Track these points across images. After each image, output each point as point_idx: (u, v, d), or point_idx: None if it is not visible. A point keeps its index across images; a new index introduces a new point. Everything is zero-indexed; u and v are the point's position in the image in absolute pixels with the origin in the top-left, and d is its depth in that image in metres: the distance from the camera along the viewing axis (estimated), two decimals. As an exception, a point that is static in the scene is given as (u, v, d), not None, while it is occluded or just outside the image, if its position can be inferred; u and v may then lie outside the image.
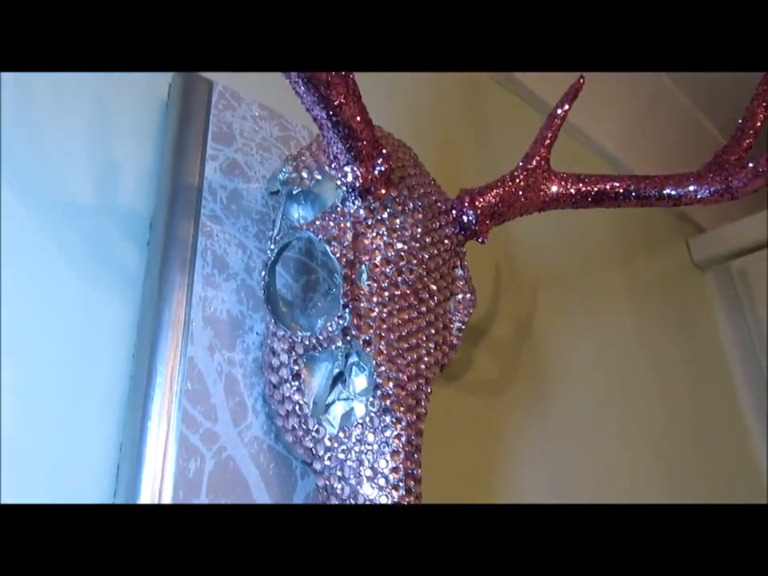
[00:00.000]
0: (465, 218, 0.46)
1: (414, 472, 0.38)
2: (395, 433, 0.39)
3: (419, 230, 0.43)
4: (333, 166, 0.40)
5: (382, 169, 0.40)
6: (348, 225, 0.40)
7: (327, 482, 0.39)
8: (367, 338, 0.39)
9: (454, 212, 0.46)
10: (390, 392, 0.39)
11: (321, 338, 0.40)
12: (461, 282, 0.46)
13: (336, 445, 0.40)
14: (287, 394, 0.41)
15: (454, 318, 0.45)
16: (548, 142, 0.50)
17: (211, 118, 0.50)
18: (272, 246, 0.41)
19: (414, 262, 0.42)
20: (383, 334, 0.40)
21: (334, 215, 0.40)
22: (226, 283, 0.46)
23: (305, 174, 0.45)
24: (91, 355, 0.43)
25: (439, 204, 0.46)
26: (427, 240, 0.43)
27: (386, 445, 0.38)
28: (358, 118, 0.38)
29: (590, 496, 0.77)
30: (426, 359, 0.42)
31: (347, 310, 0.39)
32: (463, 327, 0.46)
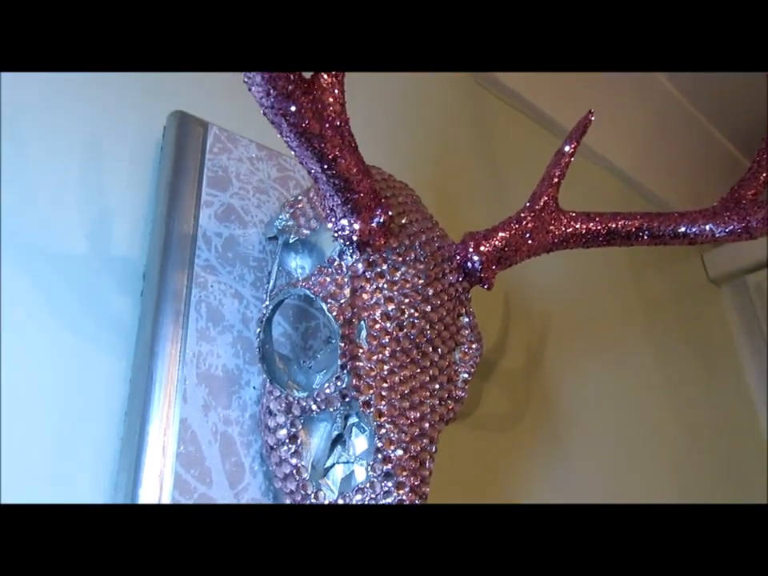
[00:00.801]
0: (469, 265, 0.44)
1: (419, 542, 0.36)
2: (398, 498, 0.37)
3: (421, 280, 0.41)
4: (330, 218, 0.38)
5: (381, 220, 0.38)
6: (346, 280, 0.38)
7: (327, 552, 0.37)
8: (367, 398, 0.37)
9: (458, 258, 0.44)
10: (392, 455, 0.37)
11: (318, 399, 0.38)
12: (466, 331, 0.44)
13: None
14: (284, 457, 0.39)
15: (459, 370, 0.43)
16: (556, 180, 0.48)
17: (206, 162, 0.48)
18: (266, 303, 0.39)
19: (416, 314, 0.40)
20: (384, 394, 0.38)
21: (330, 270, 0.39)
22: (221, 336, 0.44)
23: (302, 222, 0.44)
24: (81, 414, 0.41)
25: (442, 251, 0.44)
26: (430, 291, 0.41)
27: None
28: (354, 170, 0.36)
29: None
30: (430, 417, 0.40)
31: (345, 370, 0.37)
32: (469, 378, 0.44)
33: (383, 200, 0.39)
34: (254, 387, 0.44)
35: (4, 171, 0.44)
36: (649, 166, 1.15)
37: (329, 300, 0.37)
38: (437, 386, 0.41)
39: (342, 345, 0.37)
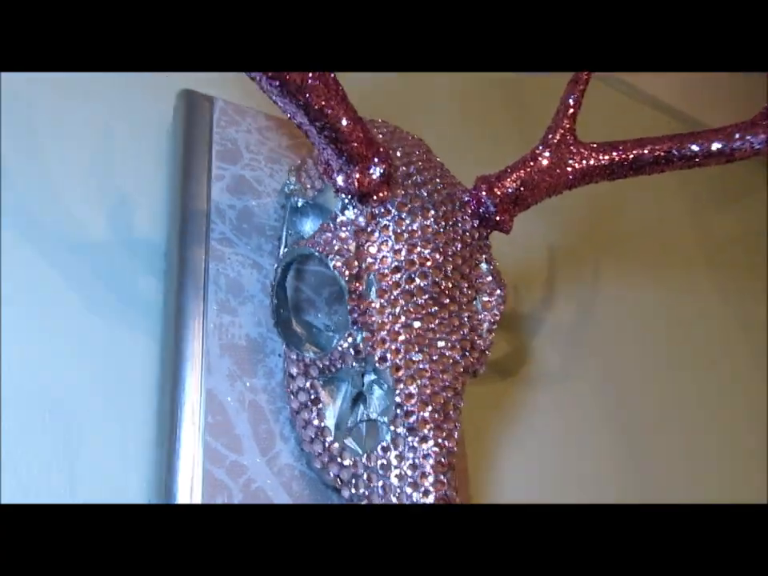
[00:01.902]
0: (482, 209, 0.42)
1: (447, 494, 0.35)
2: (422, 453, 0.36)
3: (431, 229, 0.39)
4: (327, 173, 0.37)
5: (381, 170, 0.37)
6: (350, 235, 0.37)
7: (357, 510, 0.36)
8: (382, 353, 0.37)
9: (471, 203, 0.43)
10: (413, 409, 0.36)
11: (333, 358, 0.38)
12: (487, 278, 0.42)
13: (361, 471, 0.37)
14: (308, 419, 0.39)
15: (482, 319, 0.42)
16: (572, 111, 0.45)
17: (214, 136, 0.48)
18: (275, 266, 0.39)
19: (429, 264, 0.39)
20: (399, 348, 0.37)
21: (333, 226, 0.38)
22: (242, 307, 0.44)
23: (308, 184, 0.43)
24: (118, 394, 0.42)
25: (453, 197, 0.42)
26: (441, 239, 0.40)
27: (413, 468, 0.36)
28: (344, 119, 0.35)
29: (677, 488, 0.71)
30: (452, 369, 0.38)
31: (356, 326, 0.37)
32: (494, 327, 0.42)
33: (382, 149, 0.38)
34: (279, 355, 0.44)
35: (22, 164, 0.45)
36: (700, 98, 1.07)
37: (334, 256, 0.37)
38: (457, 337, 0.39)
39: (351, 300, 0.36)
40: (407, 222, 0.39)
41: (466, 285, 0.41)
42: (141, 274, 0.47)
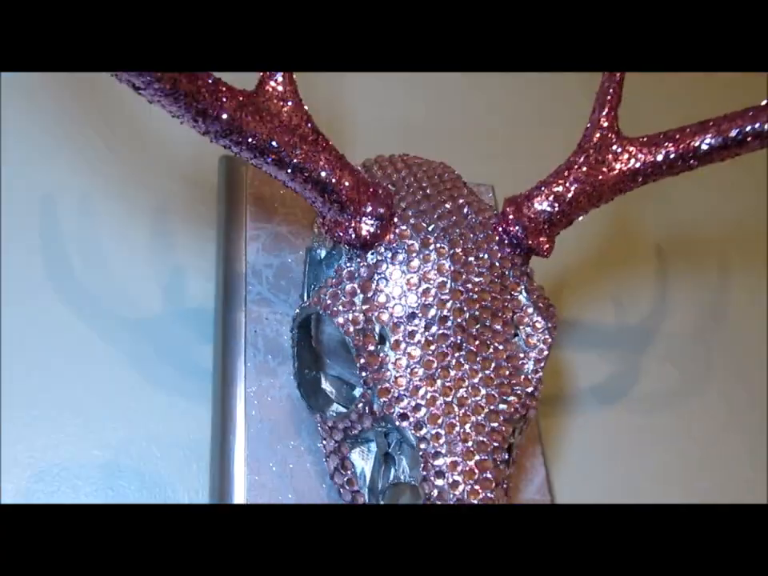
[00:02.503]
0: (512, 235, 0.38)
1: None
2: (458, 518, 0.32)
3: (449, 268, 0.36)
4: (323, 225, 0.35)
5: (377, 214, 0.35)
6: (356, 286, 0.35)
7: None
8: (400, 412, 0.33)
9: (499, 230, 0.38)
10: (443, 470, 0.33)
11: (352, 420, 0.35)
12: (528, 310, 0.38)
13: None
14: (341, 484, 0.37)
15: (527, 358, 0.37)
16: (609, 105, 0.39)
17: (248, 197, 0.49)
18: (291, 329, 0.38)
19: (448, 307, 0.35)
20: (420, 404, 0.34)
21: (338, 279, 0.36)
22: (281, 367, 0.43)
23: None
24: (173, 464, 0.44)
25: (476, 226, 0.38)
26: (462, 277, 0.36)
27: None
28: (327, 168, 0.33)
29: None
30: (488, 421, 0.34)
31: (368, 385, 0.34)
32: (542, 365, 0.37)
33: (377, 190, 0.35)
34: (322, 413, 0.42)
35: (78, 241, 0.49)
36: None
37: (338, 313, 0.34)
38: (493, 384, 0.35)
39: (359, 358, 0.34)
40: (419, 264, 0.36)
41: (501, 323, 0.37)
42: (194, 342, 0.48)
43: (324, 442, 0.38)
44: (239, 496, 0.40)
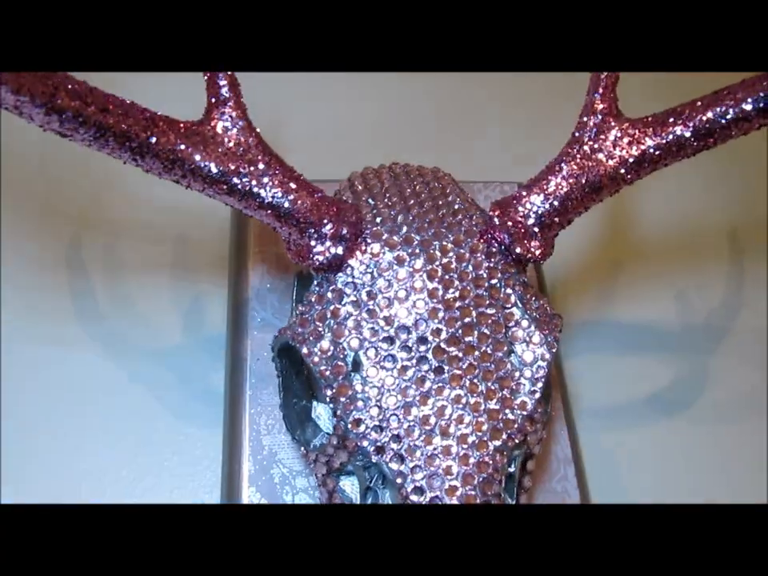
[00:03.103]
0: (499, 242, 0.34)
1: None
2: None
3: (427, 283, 0.33)
4: (288, 249, 0.34)
5: (343, 232, 0.32)
6: (326, 311, 0.33)
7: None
8: (376, 444, 0.31)
9: (486, 237, 0.35)
10: (419, 503, 0.30)
11: (329, 453, 0.33)
12: (524, 323, 0.34)
13: None
14: (331, 520, 0.35)
15: (522, 377, 0.33)
16: (604, 87, 0.34)
17: (253, 220, 0.48)
18: (273, 359, 0.36)
19: (429, 327, 0.32)
20: (400, 435, 0.31)
21: (306, 306, 0.34)
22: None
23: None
24: (189, 488, 0.44)
25: (459, 234, 0.35)
26: (441, 294, 0.33)
27: None
28: (281, 191, 0.32)
29: None
30: (478, 451, 0.31)
31: (339, 419, 0.32)
32: (540, 384, 0.33)
33: (343, 207, 0.33)
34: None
35: (106, 282, 0.51)
36: None
37: (306, 343, 0.33)
38: (482, 409, 0.32)
39: (328, 389, 0.32)
40: (392, 283, 0.33)
41: (490, 341, 0.33)
42: (210, 369, 0.48)
43: (313, 475, 0.37)
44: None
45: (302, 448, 0.35)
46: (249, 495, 0.40)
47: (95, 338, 0.49)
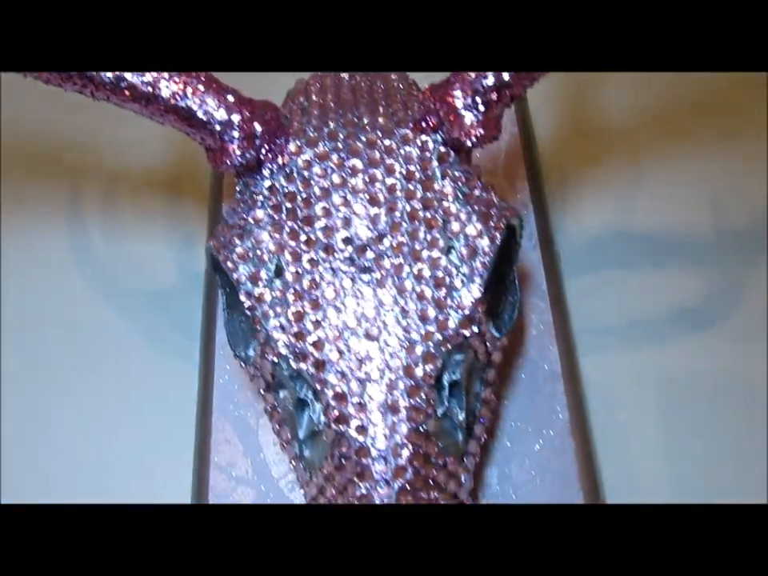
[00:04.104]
0: (432, 128, 0.31)
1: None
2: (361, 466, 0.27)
3: (350, 178, 0.30)
4: (208, 158, 0.32)
5: (254, 130, 0.30)
6: (247, 218, 0.31)
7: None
8: (296, 350, 0.29)
9: (423, 122, 0.31)
10: (344, 411, 0.28)
11: (258, 365, 0.31)
12: (462, 216, 0.31)
13: (313, 490, 0.30)
14: (275, 432, 0.33)
15: (464, 271, 0.30)
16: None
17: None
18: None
19: (347, 227, 0.30)
20: (321, 339, 0.29)
21: (228, 214, 0.32)
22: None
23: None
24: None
25: (394, 125, 0.32)
26: (367, 188, 0.30)
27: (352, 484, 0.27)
28: (187, 91, 0.30)
29: None
30: (408, 353, 0.28)
31: (259, 325, 0.30)
32: (481, 282, 0.30)
33: (261, 106, 0.31)
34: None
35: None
36: None
37: (226, 251, 0.31)
38: (413, 311, 0.29)
39: (248, 297, 0.30)
40: (314, 182, 0.31)
41: (424, 238, 0.30)
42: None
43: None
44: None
45: (243, 365, 0.34)
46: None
47: (92, 278, 0.50)
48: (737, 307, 0.47)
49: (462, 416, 0.31)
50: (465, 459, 0.31)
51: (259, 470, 0.38)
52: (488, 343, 0.31)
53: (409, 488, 0.27)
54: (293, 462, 0.32)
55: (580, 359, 0.42)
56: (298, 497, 0.37)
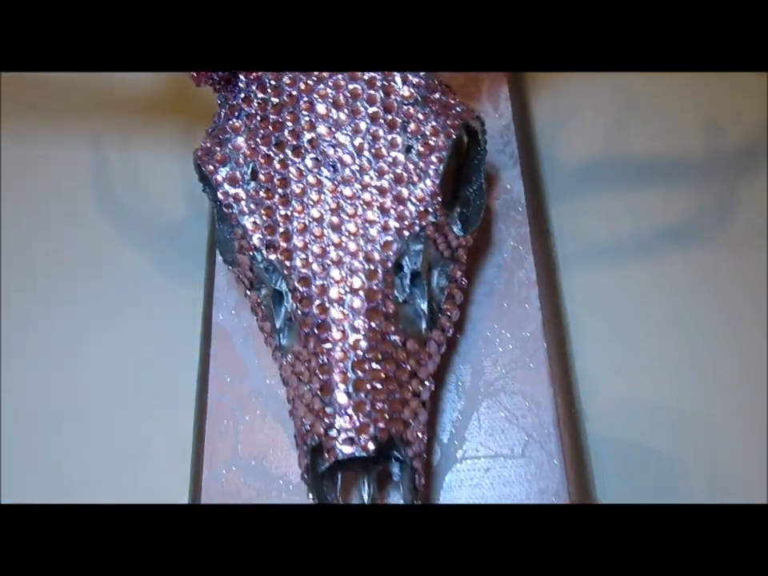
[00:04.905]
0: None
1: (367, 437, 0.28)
2: (325, 358, 0.30)
3: (316, 85, 0.33)
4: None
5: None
6: (226, 127, 0.34)
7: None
8: (267, 241, 0.32)
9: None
10: (308, 293, 0.31)
11: (238, 261, 0.34)
12: (420, 116, 0.33)
13: (288, 372, 0.33)
14: (262, 333, 0.36)
15: (421, 167, 0.32)
16: None
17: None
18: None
19: (313, 129, 0.32)
20: (290, 230, 0.32)
21: (211, 127, 0.35)
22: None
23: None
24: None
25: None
26: (330, 93, 0.33)
27: (315, 377, 0.30)
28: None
29: None
30: (369, 242, 0.31)
31: (234, 225, 0.33)
32: (434, 172, 0.32)
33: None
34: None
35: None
36: None
37: (204, 157, 0.34)
38: (376, 203, 0.32)
39: (224, 195, 0.33)
40: (283, 88, 0.33)
41: (385, 138, 0.33)
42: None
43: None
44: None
45: (230, 268, 0.37)
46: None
47: (107, 213, 0.54)
48: (726, 225, 0.47)
49: (424, 305, 0.33)
50: (427, 345, 0.33)
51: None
52: (449, 237, 0.34)
53: (364, 358, 0.30)
54: (275, 354, 0.35)
55: (561, 272, 0.44)
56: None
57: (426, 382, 0.33)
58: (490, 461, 0.36)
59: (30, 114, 0.59)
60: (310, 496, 0.30)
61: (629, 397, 0.42)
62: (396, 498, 0.33)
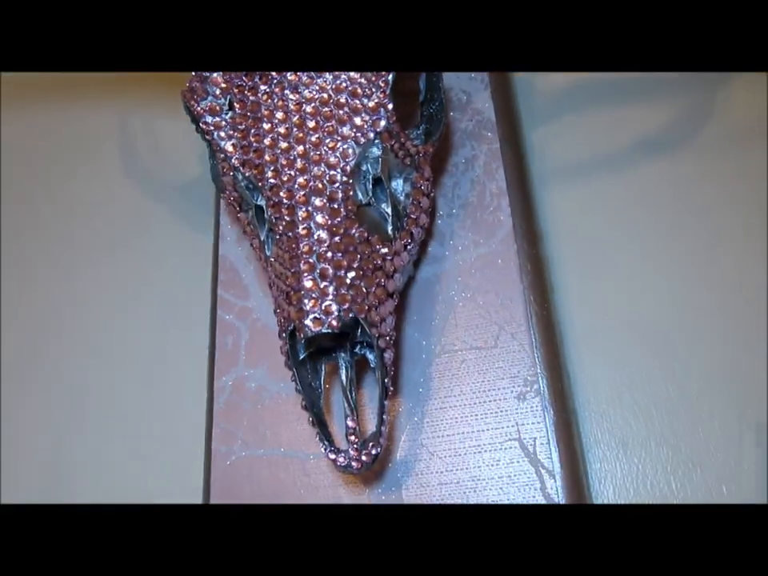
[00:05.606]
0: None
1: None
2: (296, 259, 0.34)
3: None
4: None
5: None
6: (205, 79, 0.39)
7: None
8: (243, 159, 0.36)
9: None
10: (277, 199, 0.35)
11: (224, 187, 0.39)
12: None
13: (272, 276, 0.37)
14: (254, 250, 0.41)
15: (373, 81, 0.36)
16: None
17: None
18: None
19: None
20: (259, 147, 0.36)
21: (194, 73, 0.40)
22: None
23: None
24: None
25: None
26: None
27: (288, 271, 0.34)
28: None
29: None
30: (329, 150, 0.35)
31: (216, 151, 0.37)
32: (387, 80, 0.35)
33: None
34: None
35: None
36: None
37: (188, 95, 0.38)
38: (333, 117, 0.35)
39: (204, 124, 0.38)
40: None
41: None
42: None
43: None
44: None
45: (222, 195, 0.42)
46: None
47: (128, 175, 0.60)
48: (702, 132, 0.48)
49: (388, 208, 0.37)
50: (393, 242, 0.37)
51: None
52: (406, 144, 0.37)
53: (327, 250, 0.33)
54: (263, 265, 0.39)
55: (535, 185, 0.46)
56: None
57: (393, 276, 0.36)
58: (466, 353, 0.40)
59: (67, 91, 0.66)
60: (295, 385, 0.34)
61: (602, 299, 0.44)
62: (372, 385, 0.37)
